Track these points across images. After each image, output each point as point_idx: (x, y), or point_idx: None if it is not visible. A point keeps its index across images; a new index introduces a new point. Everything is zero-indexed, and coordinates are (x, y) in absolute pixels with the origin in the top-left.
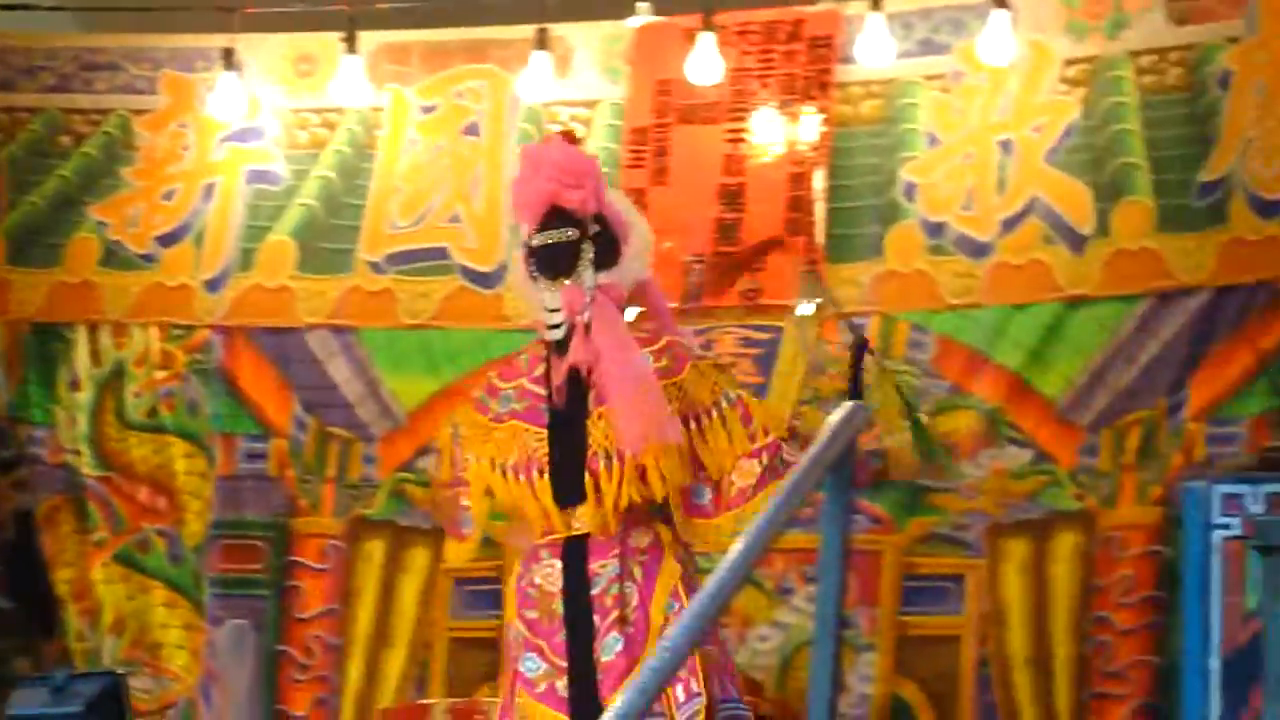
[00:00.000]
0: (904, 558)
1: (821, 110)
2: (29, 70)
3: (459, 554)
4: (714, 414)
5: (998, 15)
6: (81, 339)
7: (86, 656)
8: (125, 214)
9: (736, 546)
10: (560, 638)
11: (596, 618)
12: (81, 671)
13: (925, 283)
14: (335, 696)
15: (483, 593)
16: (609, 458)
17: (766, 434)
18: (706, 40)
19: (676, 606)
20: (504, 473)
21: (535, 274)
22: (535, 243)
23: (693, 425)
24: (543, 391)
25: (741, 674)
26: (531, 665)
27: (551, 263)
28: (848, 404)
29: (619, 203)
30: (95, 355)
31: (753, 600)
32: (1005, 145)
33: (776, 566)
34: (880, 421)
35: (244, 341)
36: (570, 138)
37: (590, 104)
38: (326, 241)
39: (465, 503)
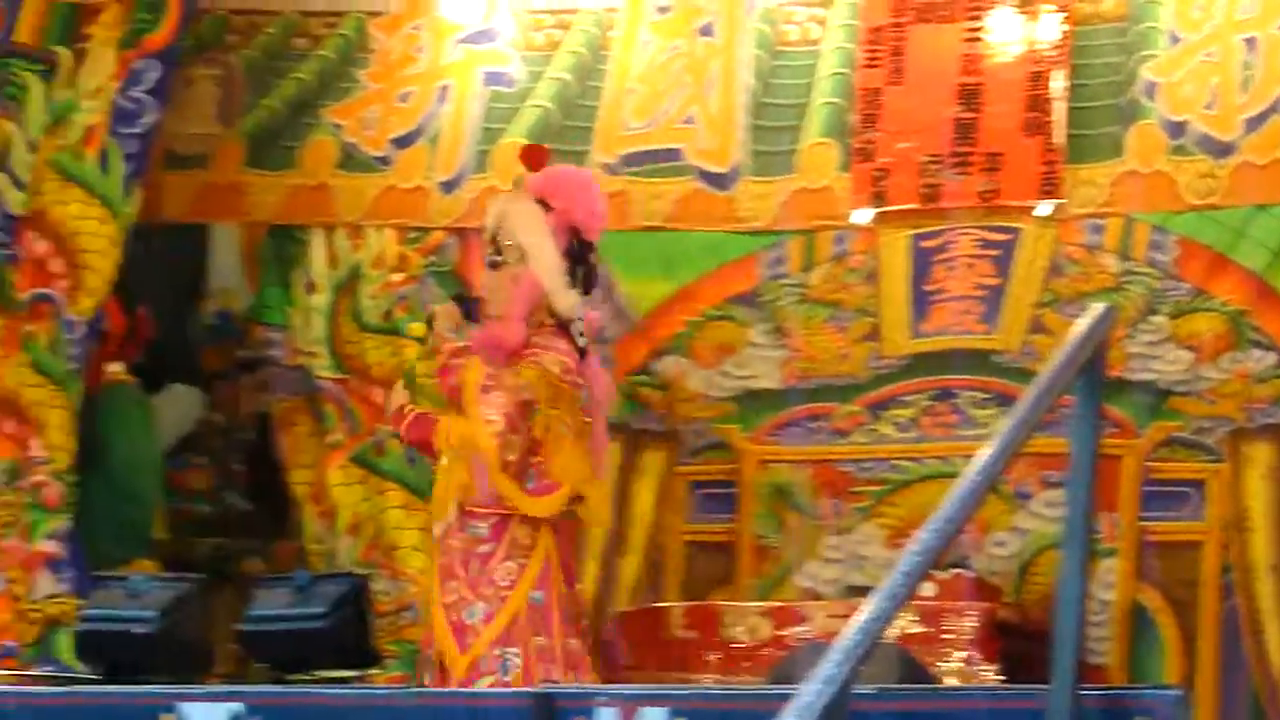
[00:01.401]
0: (1144, 463)
1: (1062, 9)
2: None
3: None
4: None
5: None
6: (318, 242)
7: (323, 558)
8: (361, 116)
9: (985, 450)
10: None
11: None
12: (322, 573)
13: (1166, 183)
14: None
15: (717, 496)
16: None
17: None
18: None
19: None
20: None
21: (583, 287)
22: (595, 261)
23: None
24: None
25: (979, 579)
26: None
27: (593, 283)
28: (1098, 306)
29: None
30: (332, 258)
31: (991, 505)
32: (1250, 43)
33: (1015, 471)
34: None
35: (479, 243)
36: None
37: (826, 3)
38: (561, 143)
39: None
